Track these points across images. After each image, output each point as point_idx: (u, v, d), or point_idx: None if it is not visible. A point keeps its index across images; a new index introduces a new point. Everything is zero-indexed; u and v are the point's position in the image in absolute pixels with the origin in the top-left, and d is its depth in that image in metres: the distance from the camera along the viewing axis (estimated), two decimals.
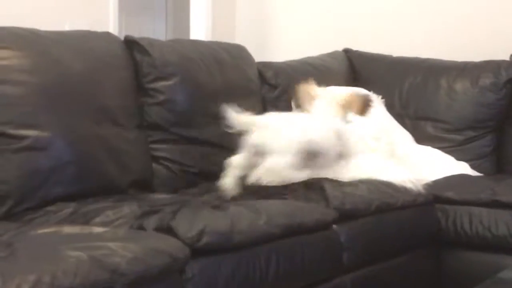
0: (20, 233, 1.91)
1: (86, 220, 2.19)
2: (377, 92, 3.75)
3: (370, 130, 3.14)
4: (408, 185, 2.92)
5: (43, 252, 1.73)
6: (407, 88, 3.80)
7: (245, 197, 2.52)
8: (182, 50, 3.08)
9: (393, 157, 3.28)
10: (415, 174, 3.04)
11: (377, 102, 3.70)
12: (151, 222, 2.09)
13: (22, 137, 2.38)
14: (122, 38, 2.99)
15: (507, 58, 3.71)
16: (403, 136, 3.58)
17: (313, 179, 2.72)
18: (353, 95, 3.03)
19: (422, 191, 2.95)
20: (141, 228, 2.07)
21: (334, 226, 2.52)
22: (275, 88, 3.53)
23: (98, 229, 1.97)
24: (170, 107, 2.94)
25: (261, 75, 3.50)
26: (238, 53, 3.39)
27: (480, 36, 4.03)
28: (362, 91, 3.36)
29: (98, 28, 3.13)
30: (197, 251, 1.99)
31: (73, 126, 2.52)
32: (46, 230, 1.92)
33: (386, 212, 2.75)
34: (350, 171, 2.87)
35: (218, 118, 3.08)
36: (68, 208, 2.31)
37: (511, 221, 2.92)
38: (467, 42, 4.06)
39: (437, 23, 4.18)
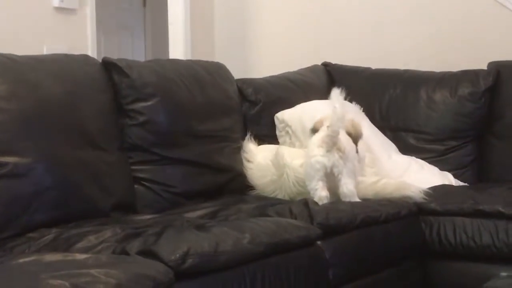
0: (1, 263, 1.89)
1: (68, 246, 2.18)
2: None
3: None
4: (410, 194, 2.95)
5: (24, 282, 1.71)
6: (387, 100, 3.82)
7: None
8: (160, 70, 3.07)
9: (377, 169, 3.29)
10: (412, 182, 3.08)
11: (359, 113, 3.72)
12: (134, 245, 2.08)
13: (2, 164, 2.36)
14: (100, 59, 2.98)
15: (484, 67, 3.73)
16: (387, 147, 3.59)
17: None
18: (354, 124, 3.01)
19: (420, 196, 2.98)
20: (124, 252, 2.06)
21: (319, 242, 2.52)
22: (256, 104, 3.53)
23: (80, 256, 1.95)
24: (151, 128, 2.93)
25: (241, 92, 3.50)
26: (217, 71, 3.39)
27: (458, 46, 4.06)
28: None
29: (77, 49, 3.13)
30: (182, 274, 1.98)
31: (53, 151, 2.51)
32: (27, 259, 1.90)
33: (370, 226, 2.76)
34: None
35: (199, 137, 3.10)
36: (50, 234, 2.29)
37: (494, 230, 2.93)
38: (445, 52, 4.09)
39: (415, 35, 4.20)
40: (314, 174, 2.79)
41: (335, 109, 2.75)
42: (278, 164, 3.03)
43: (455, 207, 3.02)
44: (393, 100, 3.80)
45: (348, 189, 2.77)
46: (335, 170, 2.75)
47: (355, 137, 2.92)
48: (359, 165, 2.99)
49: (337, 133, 2.76)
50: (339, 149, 2.76)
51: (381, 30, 4.29)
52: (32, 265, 1.85)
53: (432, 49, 4.13)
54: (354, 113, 3.11)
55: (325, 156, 2.75)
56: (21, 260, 1.89)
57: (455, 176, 3.55)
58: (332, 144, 2.76)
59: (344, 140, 2.83)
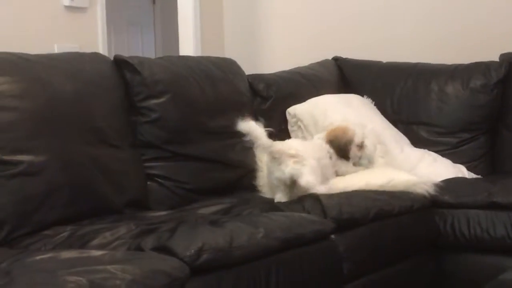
0: (18, 260, 1.90)
1: (84, 243, 2.19)
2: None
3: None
4: (419, 189, 2.94)
5: (41, 278, 1.72)
6: (399, 94, 3.81)
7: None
8: (172, 67, 3.08)
9: (390, 164, 3.29)
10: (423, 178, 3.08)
11: (371, 107, 3.72)
12: (149, 242, 2.08)
13: (16, 163, 2.37)
14: (111, 56, 2.99)
15: (496, 59, 3.71)
16: (399, 140, 3.58)
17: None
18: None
19: (433, 193, 2.98)
20: (139, 248, 2.07)
21: (332, 236, 2.52)
22: (267, 100, 3.53)
23: (96, 252, 1.96)
24: (163, 125, 2.94)
25: (252, 87, 3.50)
26: (228, 67, 3.39)
27: (469, 38, 4.05)
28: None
29: (87, 47, 3.13)
30: (197, 269, 1.98)
31: (66, 149, 2.52)
32: (43, 256, 1.91)
33: (384, 219, 2.75)
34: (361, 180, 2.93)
35: (211, 133, 3.10)
36: (65, 232, 2.30)
37: (509, 222, 2.92)
38: (456, 44, 4.07)
39: (426, 27, 4.19)
40: (276, 188, 2.81)
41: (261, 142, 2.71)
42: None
43: (469, 199, 3.02)
44: (404, 93, 3.79)
45: (307, 180, 2.75)
46: (295, 176, 2.75)
47: (340, 144, 2.99)
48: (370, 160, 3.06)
49: (277, 152, 2.76)
50: (292, 156, 2.76)
51: (392, 23, 4.27)
52: (48, 262, 1.86)
53: (443, 41, 4.11)
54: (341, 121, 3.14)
55: (279, 170, 2.75)
56: (37, 257, 1.90)
57: (468, 169, 3.53)
58: (281, 156, 2.76)
59: (294, 143, 2.92)
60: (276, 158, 2.75)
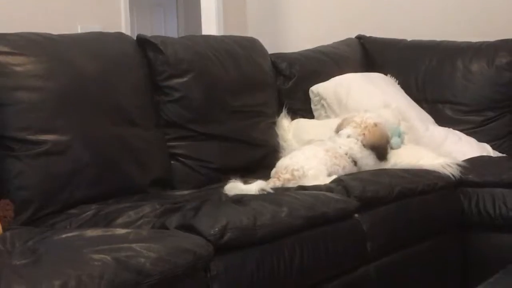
0: (45, 238, 1.92)
1: (108, 222, 2.20)
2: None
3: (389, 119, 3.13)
4: (444, 170, 2.93)
5: (67, 256, 1.74)
6: (423, 72, 3.78)
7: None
8: (195, 46, 3.07)
9: (415, 141, 3.27)
10: (447, 158, 3.05)
11: (395, 85, 3.69)
12: (173, 220, 2.09)
13: (41, 142, 2.40)
14: (134, 37, 2.99)
15: None
16: (424, 119, 3.56)
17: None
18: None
19: (458, 175, 2.97)
20: (163, 227, 2.08)
21: (356, 215, 2.51)
22: (290, 78, 3.52)
23: (121, 231, 1.97)
24: (186, 104, 2.94)
25: (275, 66, 3.49)
26: (251, 46, 3.38)
27: (495, 15, 3.99)
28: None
29: (110, 28, 3.13)
30: (221, 248, 1.99)
31: (91, 129, 2.53)
32: (69, 234, 1.93)
33: (408, 197, 2.74)
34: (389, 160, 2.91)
35: (234, 112, 3.10)
36: (90, 210, 2.32)
37: None
38: (481, 21, 4.02)
39: (451, 4, 4.14)
40: None
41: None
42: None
43: (494, 178, 2.99)
44: (429, 72, 3.76)
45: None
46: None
47: (381, 148, 2.92)
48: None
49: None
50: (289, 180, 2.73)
51: (416, 1, 4.23)
52: (74, 240, 1.87)
53: (468, 18, 4.06)
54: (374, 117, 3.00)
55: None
56: (63, 235, 1.91)
57: (493, 147, 3.51)
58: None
59: (301, 158, 2.79)
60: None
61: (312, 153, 2.83)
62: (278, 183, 2.70)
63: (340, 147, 2.86)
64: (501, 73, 3.58)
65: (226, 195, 2.48)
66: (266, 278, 2.08)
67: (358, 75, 3.64)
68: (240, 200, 2.30)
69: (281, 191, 2.51)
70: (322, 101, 3.51)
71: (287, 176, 2.73)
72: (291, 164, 2.76)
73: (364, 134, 2.90)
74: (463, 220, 3.02)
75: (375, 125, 2.92)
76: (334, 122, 3.15)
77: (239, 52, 3.25)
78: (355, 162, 2.87)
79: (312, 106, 3.55)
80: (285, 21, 4.61)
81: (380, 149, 2.92)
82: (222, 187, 2.62)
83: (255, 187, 2.50)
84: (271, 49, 3.57)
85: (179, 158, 2.92)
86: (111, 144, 2.58)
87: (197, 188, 2.80)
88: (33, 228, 2.19)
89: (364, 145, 2.89)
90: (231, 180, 2.55)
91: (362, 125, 2.92)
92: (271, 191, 2.51)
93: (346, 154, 2.86)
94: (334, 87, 3.51)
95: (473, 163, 3.14)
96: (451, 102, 3.67)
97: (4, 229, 2.08)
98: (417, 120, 3.46)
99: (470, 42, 3.77)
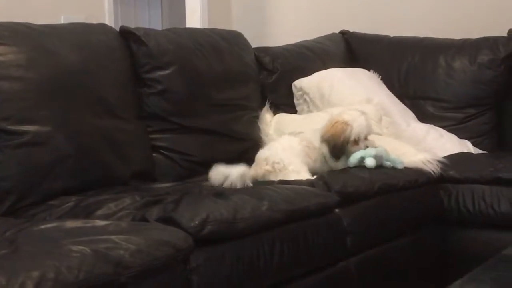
0: (23, 229, 1.91)
1: (88, 213, 2.20)
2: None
3: (371, 114, 3.11)
4: (425, 166, 2.94)
5: (46, 247, 1.73)
6: (406, 68, 3.79)
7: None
8: (178, 38, 3.07)
9: (396, 137, 3.28)
10: (428, 154, 3.05)
11: (378, 81, 3.70)
12: (154, 212, 2.09)
13: (22, 133, 2.38)
14: (118, 29, 2.98)
15: (504, 34, 3.69)
16: (405, 115, 3.57)
17: None
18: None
19: (439, 171, 2.98)
20: (143, 219, 2.08)
21: (337, 210, 2.52)
22: (273, 73, 3.52)
23: (100, 222, 1.97)
24: (169, 97, 2.94)
25: (258, 60, 3.49)
26: (234, 39, 3.38)
27: (477, 13, 4.01)
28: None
29: (94, 19, 3.11)
30: (201, 240, 1.99)
31: (72, 120, 2.52)
32: (48, 225, 1.92)
33: (388, 193, 2.75)
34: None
35: (217, 106, 3.10)
36: (70, 202, 2.31)
37: None
38: (464, 19, 4.04)
39: (434, 1, 4.16)
40: None
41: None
42: None
43: (474, 174, 3.02)
44: (411, 68, 3.78)
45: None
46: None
47: (336, 144, 2.78)
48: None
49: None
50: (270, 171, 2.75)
51: None
52: (53, 231, 1.87)
53: (451, 16, 4.08)
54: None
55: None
56: (42, 227, 1.90)
57: (474, 144, 3.53)
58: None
59: (279, 150, 2.80)
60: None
61: (288, 143, 2.83)
62: (259, 171, 2.71)
63: (316, 140, 2.84)
64: (483, 70, 3.61)
65: (207, 188, 2.48)
66: (246, 271, 2.09)
67: (341, 70, 3.65)
68: (221, 193, 2.30)
69: (262, 185, 2.52)
70: (305, 96, 3.51)
71: (268, 167, 2.73)
72: (271, 156, 2.77)
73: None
74: (443, 216, 3.04)
75: (345, 123, 2.78)
76: (316, 116, 3.14)
77: (223, 45, 3.24)
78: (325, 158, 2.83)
79: (295, 101, 3.55)
80: (269, 15, 4.61)
81: (331, 145, 2.78)
82: (203, 180, 2.62)
83: (236, 170, 2.50)
84: (254, 43, 3.57)
85: (161, 150, 2.92)
86: (92, 135, 2.57)
87: (178, 181, 2.80)
88: (12, 219, 2.17)
89: (320, 137, 2.81)
90: (215, 164, 2.56)
91: (329, 121, 2.82)
92: (250, 177, 2.54)
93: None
94: (317, 82, 3.52)
95: (454, 160, 3.17)
96: (433, 98, 3.68)
97: None
98: (398, 115, 3.47)
99: (453, 39, 3.79)
